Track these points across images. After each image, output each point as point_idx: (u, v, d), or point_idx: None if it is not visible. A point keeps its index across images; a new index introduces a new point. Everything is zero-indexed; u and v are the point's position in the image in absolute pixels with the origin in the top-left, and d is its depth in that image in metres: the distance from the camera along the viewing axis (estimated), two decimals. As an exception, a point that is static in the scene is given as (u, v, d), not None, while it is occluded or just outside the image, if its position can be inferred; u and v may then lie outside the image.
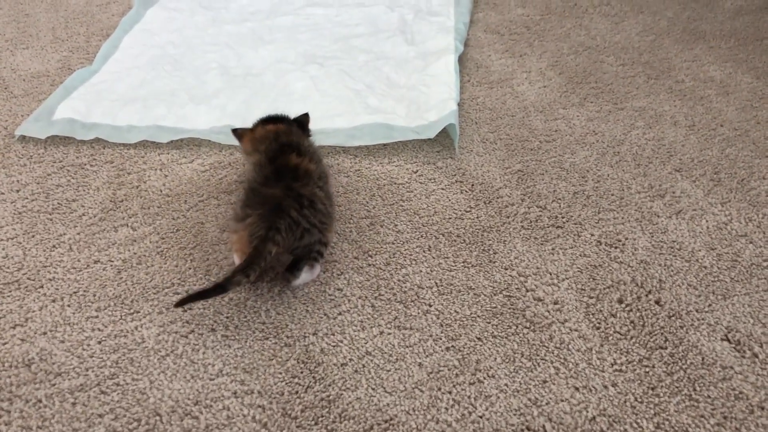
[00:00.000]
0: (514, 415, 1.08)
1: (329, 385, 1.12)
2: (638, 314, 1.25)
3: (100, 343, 1.18)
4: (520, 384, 1.13)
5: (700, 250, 1.39)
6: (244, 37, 2.19)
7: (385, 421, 1.06)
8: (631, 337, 1.21)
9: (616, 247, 1.40)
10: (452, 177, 1.59)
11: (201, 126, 1.74)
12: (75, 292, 1.28)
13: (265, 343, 1.18)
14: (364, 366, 1.15)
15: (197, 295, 1.14)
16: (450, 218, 1.47)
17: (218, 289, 1.13)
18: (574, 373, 1.14)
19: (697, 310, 1.26)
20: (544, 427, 1.06)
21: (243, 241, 1.18)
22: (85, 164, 1.61)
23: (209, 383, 1.11)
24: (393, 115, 1.78)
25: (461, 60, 2.06)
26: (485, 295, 1.28)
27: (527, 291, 1.29)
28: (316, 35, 2.21)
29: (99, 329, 1.21)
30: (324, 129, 1.73)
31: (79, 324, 1.22)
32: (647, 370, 1.15)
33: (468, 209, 1.49)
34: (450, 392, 1.11)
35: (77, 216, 1.46)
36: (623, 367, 1.15)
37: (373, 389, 1.11)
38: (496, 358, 1.17)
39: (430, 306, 1.26)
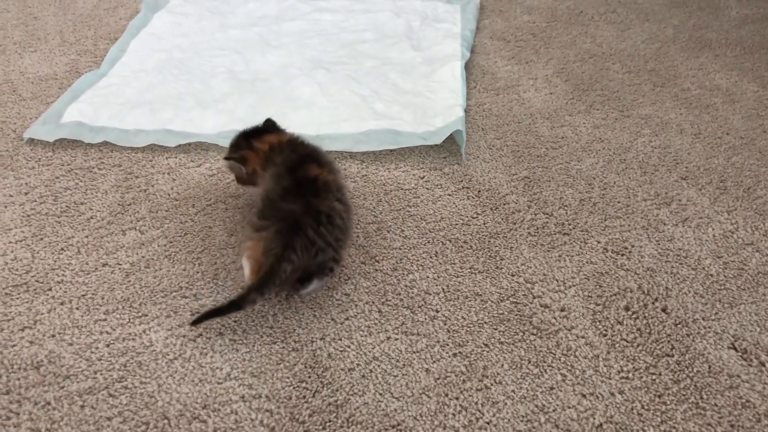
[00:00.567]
0: (522, 421, 1.08)
1: (337, 390, 1.12)
2: (645, 322, 1.25)
3: (108, 346, 1.19)
4: (527, 390, 1.13)
5: (706, 258, 1.39)
6: (252, 42, 2.20)
7: (393, 427, 1.07)
8: (638, 345, 1.21)
9: (622, 255, 1.40)
10: (459, 183, 1.59)
11: (208, 130, 1.74)
12: (83, 295, 1.28)
13: (273, 347, 1.19)
14: (371, 371, 1.15)
15: (212, 312, 1.15)
16: (457, 224, 1.47)
17: (233, 306, 1.14)
18: (581, 380, 1.15)
19: (703, 318, 1.26)
20: (551, 433, 1.07)
21: (257, 249, 1.19)
22: (93, 167, 1.62)
23: (217, 387, 1.12)
24: (399, 121, 1.78)
25: (467, 66, 2.07)
26: (492, 302, 1.29)
27: (534, 298, 1.30)
28: (323, 41, 2.21)
29: (107, 332, 1.21)
30: (331, 134, 1.73)
31: (88, 327, 1.22)
32: (654, 377, 1.15)
33: (475, 215, 1.50)
34: (457, 398, 1.11)
35: (85, 219, 1.46)
36: (630, 375, 1.16)
37: (380, 394, 1.12)
38: (503, 365, 1.17)
39: (437, 312, 1.27)
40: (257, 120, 1.76)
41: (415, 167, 1.65)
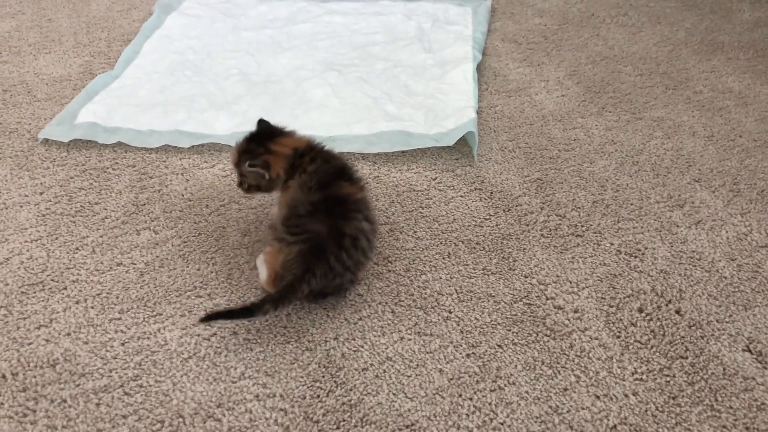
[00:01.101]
0: (535, 422, 1.08)
1: (350, 390, 1.12)
2: (658, 323, 1.25)
3: (123, 344, 1.19)
4: (541, 391, 1.13)
5: (720, 261, 1.39)
6: (264, 44, 2.21)
7: (407, 426, 1.07)
8: (652, 347, 1.21)
9: (635, 257, 1.40)
10: (471, 185, 1.60)
11: (221, 131, 1.75)
12: (98, 294, 1.29)
13: (287, 347, 1.19)
14: (385, 371, 1.16)
15: (224, 314, 1.16)
16: (469, 225, 1.48)
17: (245, 312, 1.15)
18: (594, 381, 1.15)
19: (717, 321, 1.26)
20: (565, 434, 1.06)
21: (275, 259, 1.20)
22: (108, 168, 1.63)
23: (231, 386, 1.12)
24: (411, 123, 1.79)
25: (479, 69, 2.07)
26: (505, 303, 1.29)
27: (547, 299, 1.30)
28: (334, 43, 2.22)
29: (122, 331, 1.22)
30: (343, 135, 1.74)
31: (103, 326, 1.23)
32: (668, 379, 1.15)
33: (487, 217, 1.50)
34: (471, 399, 1.11)
35: (100, 219, 1.47)
36: (644, 376, 1.15)
37: (394, 394, 1.12)
38: (516, 366, 1.17)
39: (450, 313, 1.27)
40: (270, 121, 1.77)
41: (427, 169, 1.65)
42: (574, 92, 1.98)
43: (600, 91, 1.99)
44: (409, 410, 1.09)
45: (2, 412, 1.07)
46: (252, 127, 1.74)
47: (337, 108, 1.87)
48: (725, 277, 1.35)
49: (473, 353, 1.19)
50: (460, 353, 1.19)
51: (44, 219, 1.47)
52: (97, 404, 1.09)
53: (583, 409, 1.10)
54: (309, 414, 1.08)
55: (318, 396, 1.11)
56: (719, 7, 2.53)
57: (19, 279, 1.32)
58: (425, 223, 1.48)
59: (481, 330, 1.23)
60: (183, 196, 1.54)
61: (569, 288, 1.32)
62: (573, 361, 1.18)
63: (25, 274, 1.33)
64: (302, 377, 1.14)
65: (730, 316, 1.27)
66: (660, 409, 1.10)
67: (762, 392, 1.13)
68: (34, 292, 1.29)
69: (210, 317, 1.15)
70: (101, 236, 1.43)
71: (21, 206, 1.50)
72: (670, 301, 1.30)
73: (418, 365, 1.17)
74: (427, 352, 1.19)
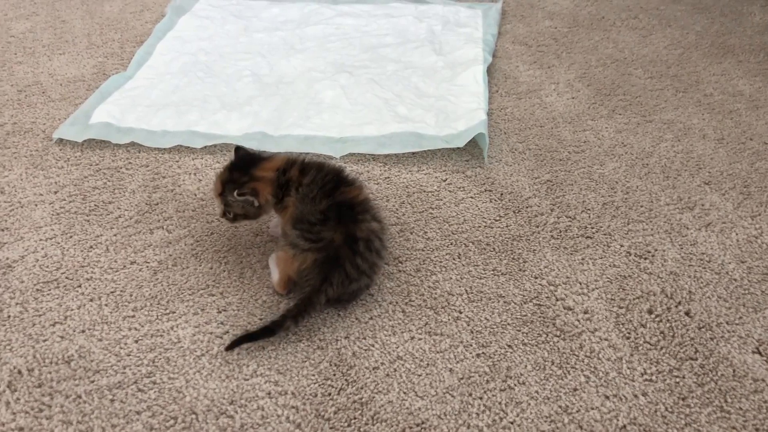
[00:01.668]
0: (545, 422, 1.09)
1: (361, 388, 1.13)
2: (668, 325, 1.25)
3: (137, 342, 1.21)
4: (551, 391, 1.13)
5: (730, 263, 1.39)
6: (276, 46, 2.22)
7: (417, 425, 1.08)
8: (661, 348, 1.21)
9: (645, 258, 1.40)
10: (481, 186, 1.60)
11: (233, 132, 1.77)
12: (112, 292, 1.31)
13: (298, 345, 1.20)
14: (395, 370, 1.17)
15: (246, 337, 1.17)
16: (479, 227, 1.48)
17: (266, 332, 1.16)
18: (604, 381, 1.15)
19: (727, 323, 1.26)
20: (574, 434, 1.07)
21: (289, 263, 1.21)
22: (121, 167, 1.65)
23: (244, 383, 1.13)
24: (422, 124, 1.80)
25: (489, 71, 2.08)
26: (515, 303, 1.30)
27: (557, 300, 1.30)
28: (345, 45, 2.24)
29: (136, 328, 1.23)
30: (354, 137, 1.75)
31: (117, 323, 1.24)
32: (678, 380, 1.15)
33: (497, 218, 1.51)
34: (481, 398, 1.12)
35: (114, 218, 1.49)
36: (653, 377, 1.16)
37: (404, 393, 1.13)
38: (526, 366, 1.18)
39: (461, 313, 1.27)
40: (282, 122, 1.80)
41: (437, 170, 1.66)
42: (584, 94, 1.99)
43: (610, 93, 2.00)
44: (419, 409, 1.10)
45: (18, 407, 1.09)
46: (265, 128, 1.77)
47: (349, 109, 1.88)
48: (735, 279, 1.35)
49: (483, 353, 1.20)
50: (471, 353, 1.20)
51: (59, 217, 1.49)
52: (112, 400, 1.11)
53: (592, 409, 1.11)
54: (320, 411, 1.09)
55: (329, 394, 1.12)
56: (730, 10, 2.53)
57: (35, 276, 1.34)
58: (435, 223, 1.49)
59: (491, 330, 1.24)
60: (196, 195, 1.56)
61: (579, 289, 1.33)
62: (583, 361, 1.19)
63: (40, 272, 1.35)
64: (314, 375, 1.15)
65: (740, 318, 1.27)
66: (669, 409, 1.11)
67: (772, 394, 1.13)
68: (49, 290, 1.31)
69: (234, 343, 1.17)
70: (115, 235, 1.44)
71: (36, 205, 1.52)
72: (679, 303, 1.30)
73: (428, 364, 1.18)
74: (438, 352, 1.20)
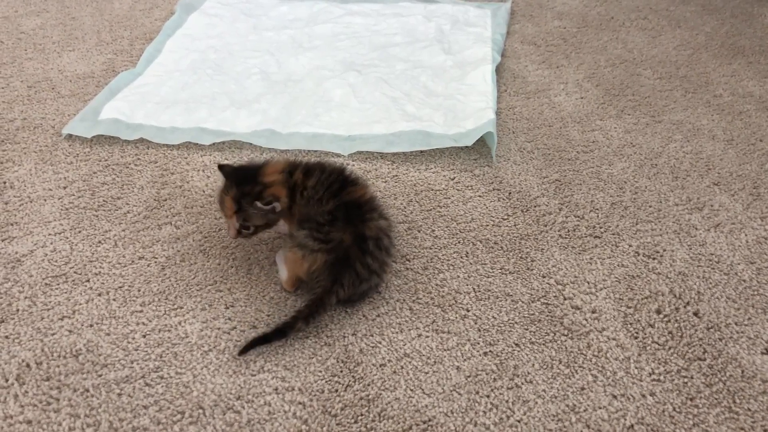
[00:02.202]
0: (552, 420, 1.08)
1: (368, 385, 1.13)
2: (676, 325, 1.25)
3: (144, 336, 1.21)
4: (558, 390, 1.13)
5: (739, 264, 1.39)
6: (284, 44, 2.22)
7: (424, 422, 1.08)
8: (669, 348, 1.21)
9: (654, 258, 1.40)
10: (489, 185, 1.60)
11: (242, 129, 1.77)
12: (120, 287, 1.31)
13: (306, 342, 1.20)
14: (402, 367, 1.16)
15: (258, 340, 1.16)
16: (487, 225, 1.48)
17: (278, 334, 1.16)
18: (612, 381, 1.15)
19: (736, 323, 1.25)
20: (582, 433, 1.07)
21: (298, 264, 1.21)
22: (130, 163, 1.65)
23: (251, 379, 1.14)
24: (430, 123, 1.80)
25: (498, 70, 2.08)
26: (523, 302, 1.29)
27: (565, 299, 1.30)
28: (354, 43, 2.24)
29: (143, 323, 1.23)
30: (362, 135, 1.75)
31: (125, 318, 1.25)
32: (686, 380, 1.15)
33: (505, 217, 1.50)
34: (488, 396, 1.12)
35: (122, 213, 1.49)
36: (661, 377, 1.15)
37: (411, 390, 1.13)
38: (533, 364, 1.17)
39: (468, 311, 1.27)
40: (290, 120, 1.80)
41: (445, 168, 1.66)
42: (593, 95, 1.98)
43: (619, 93, 1.99)
44: (426, 406, 1.10)
45: (26, 400, 1.09)
46: (274, 125, 1.77)
47: (357, 108, 1.88)
48: (744, 281, 1.35)
49: (490, 351, 1.20)
50: (478, 351, 1.20)
51: (67, 213, 1.49)
52: (119, 394, 1.11)
53: (600, 408, 1.10)
54: (327, 408, 1.09)
55: (336, 390, 1.12)
56: (740, 11, 2.52)
57: (43, 271, 1.34)
58: (443, 222, 1.49)
59: (499, 328, 1.24)
60: (204, 192, 1.56)
61: (587, 288, 1.32)
62: (590, 360, 1.18)
63: (49, 266, 1.35)
64: (321, 372, 1.15)
65: (749, 319, 1.26)
66: (677, 409, 1.10)
67: (781, 395, 1.13)
68: (58, 284, 1.31)
69: (247, 347, 1.16)
70: (123, 230, 1.45)
71: (45, 200, 1.53)
72: (688, 303, 1.29)
73: (435, 362, 1.17)
74: (445, 350, 1.20)
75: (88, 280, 1.32)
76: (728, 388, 1.14)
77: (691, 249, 1.42)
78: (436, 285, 1.33)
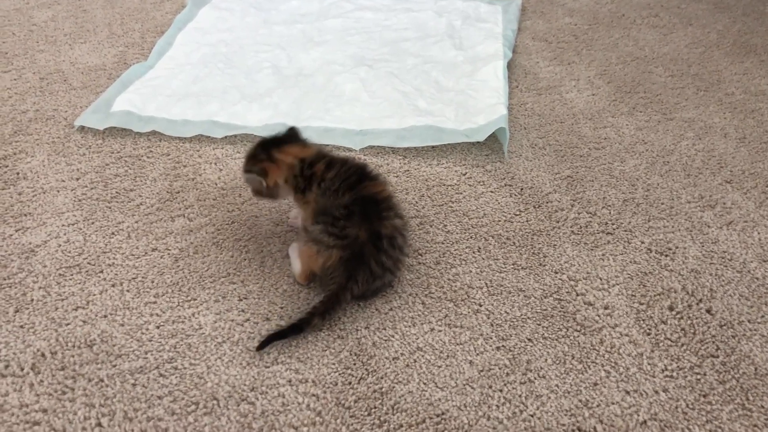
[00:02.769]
0: (565, 415, 1.08)
1: (381, 378, 1.14)
2: (689, 322, 1.25)
3: (158, 327, 1.21)
4: (571, 385, 1.13)
5: (751, 262, 1.39)
6: (295, 39, 2.22)
7: (437, 415, 1.08)
8: (682, 344, 1.21)
9: (666, 255, 1.40)
10: (501, 180, 1.60)
11: (253, 123, 1.77)
12: (134, 278, 1.31)
13: (319, 334, 1.21)
14: (415, 361, 1.17)
15: (274, 336, 1.16)
16: (499, 221, 1.48)
17: (295, 329, 1.17)
18: (624, 377, 1.15)
19: (749, 321, 1.25)
20: (595, 428, 1.07)
21: (313, 259, 1.21)
22: (142, 156, 1.65)
23: (265, 371, 1.14)
24: (442, 118, 1.80)
25: (509, 66, 2.08)
26: (535, 298, 1.29)
27: (577, 295, 1.30)
28: (365, 38, 2.24)
29: (157, 314, 1.24)
30: (374, 130, 1.75)
31: (138, 309, 1.25)
32: (699, 377, 1.15)
33: (517, 212, 1.51)
34: (501, 390, 1.12)
35: (135, 205, 1.50)
36: (674, 374, 1.15)
37: (424, 384, 1.13)
38: (546, 359, 1.17)
39: (480, 306, 1.27)
40: (301, 114, 1.80)
41: (457, 164, 1.66)
42: (604, 91, 1.98)
43: (631, 91, 1.99)
44: (439, 399, 1.10)
45: (42, 389, 1.10)
46: (285, 119, 1.77)
47: (368, 102, 1.88)
48: (757, 278, 1.35)
49: (503, 346, 1.20)
50: (491, 345, 1.20)
51: (80, 204, 1.50)
52: (134, 384, 1.11)
53: (613, 404, 1.10)
54: (341, 400, 1.10)
55: (349, 383, 1.13)
56: (752, 9, 2.52)
57: (57, 261, 1.35)
58: (455, 217, 1.49)
59: (512, 323, 1.24)
60: (216, 184, 1.56)
61: (600, 285, 1.32)
62: (603, 356, 1.18)
63: (63, 257, 1.36)
64: (334, 364, 1.16)
65: (762, 316, 1.26)
66: (690, 406, 1.10)
67: (794, 393, 1.12)
68: (72, 275, 1.32)
69: (264, 343, 1.16)
70: (136, 222, 1.45)
71: (58, 191, 1.53)
72: (700, 300, 1.29)
73: (448, 356, 1.18)
74: (458, 344, 1.20)
75: (101, 271, 1.33)
76: (741, 385, 1.14)
77: (703, 246, 1.42)
78: (449, 279, 1.33)
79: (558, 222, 1.48)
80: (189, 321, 1.23)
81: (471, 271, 1.35)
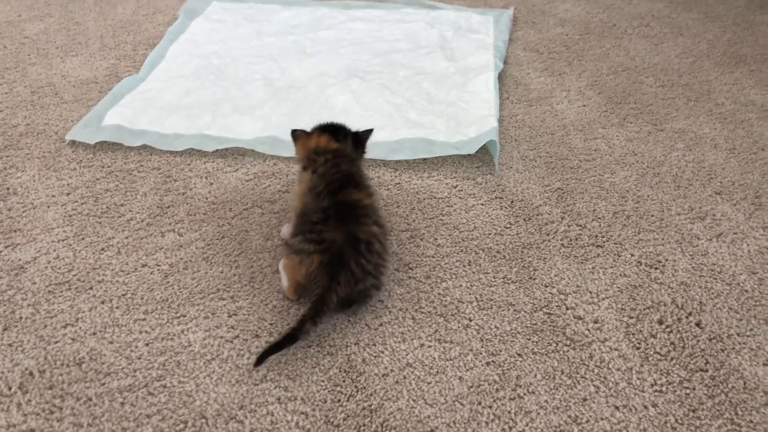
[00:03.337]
0: (555, 431, 1.08)
1: (371, 395, 1.13)
2: (678, 336, 1.25)
3: (147, 345, 1.21)
4: (560, 401, 1.13)
5: (741, 274, 1.39)
6: (287, 50, 2.23)
7: (427, 433, 1.08)
8: (672, 359, 1.21)
9: (656, 268, 1.40)
10: (492, 193, 1.60)
11: (245, 136, 1.77)
12: (123, 295, 1.31)
13: (308, 351, 1.20)
14: (405, 377, 1.17)
15: (271, 348, 1.16)
16: (490, 234, 1.48)
17: (290, 339, 1.16)
18: (614, 392, 1.15)
19: (738, 334, 1.26)
20: (584, 444, 1.07)
21: (296, 270, 1.22)
22: (133, 170, 1.65)
23: (254, 388, 1.14)
24: (433, 130, 1.80)
25: (500, 77, 2.08)
26: (525, 312, 1.29)
27: (567, 309, 1.30)
28: (357, 49, 2.24)
29: (147, 332, 1.24)
30: (365, 142, 1.75)
31: (128, 326, 1.25)
32: (688, 392, 1.15)
33: (508, 225, 1.51)
34: (490, 407, 1.12)
35: (125, 220, 1.50)
36: (663, 388, 1.16)
37: (414, 400, 1.13)
38: (536, 375, 1.17)
39: (471, 320, 1.27)
40: (293, 126, 1.79)
41: (448, 176, 1.66)
42: (595, 102, 1.99)
43: (621, 101, 1.99)
44: (428, 417, 1.10)
45: (30, 408, 1.10)
46: (276, 132, 1.77)
47: (360, 114, 1.88)
48: (746, 291, 1.35)
49: (493, 361, 1.20)
50: (480, 361, 1.20)
51: (71, 219, 1.50)
52: (122, 403, 1.11)
53: (602, 419, 1.10)
54: (329, 418, 1.10)
55: (339, 400, 1.13)
56: (742, 19, 2.53)
57: (46, 278, 1.34)
58: (446, 230, 1.49)
59: (501, 338, 1.24)
60: (207, 199, 1.56)
61: (589, 298, 1.33)
62: (592, 371, 1.18)
63: (52, 274, 1.36)
64: (323, 381, 1.15)
65: (751, 330, 1.27)
66: (679, 421, 1.10)
67: (783, 407, 1.13)
68: (61, 292, 1.32)
69: (261, 358, 1.16)
70: (126, 237, 1.45)
71: (48, 206, 1.53)
72: (690, 314, 1.30)
73: (438, 372, 1.18)
74: (447, 359, 1.20)
75: (91, 288, 1.33)
76: (730, 399, 1.14)
77: (693, 259, 1.43)
78: (439, 294, 1.33)
79: (548, 235, 1.48)
80: (178, 338, 1.22)
81: (461, 286, 1.35)
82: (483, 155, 1.73)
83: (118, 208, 1.53)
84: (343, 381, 1.16)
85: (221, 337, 1.23)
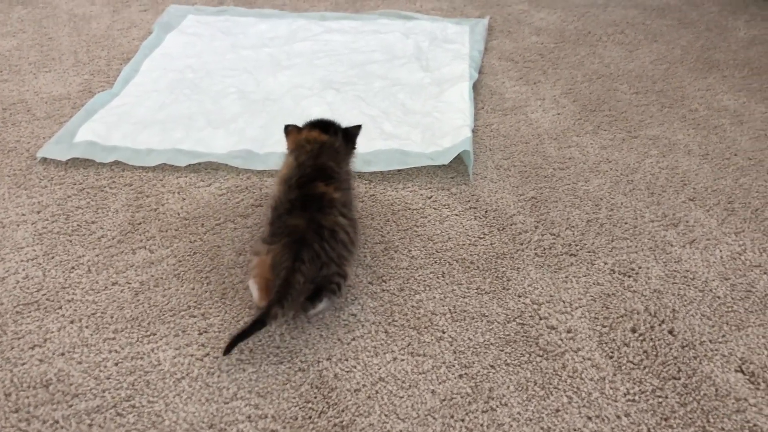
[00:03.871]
0: (527, 444, 1.08)
1: (342, 411, 1.13)
2: (651, 344, 1.25)
3: (116, 365, 1.20)
4: (533, 413, 1.13)
5: (713, 280, 1.39)
6: (263, 63, 2.22)
7: (398, 448, 1.07)
8: (644, 367, 1.21)
9: (629, 276, 1.40)
10: (466, 203, 1.60)
11: (219, 150, 1.76)
12: (93, 314, 1.30)
13: (279, 367, 1.19)
14: (377, 392, 1.16)
15: (239, 336, 1.15)
16: (464, 244, 1.48)
17: (258, 324, 1.15)
18: (587, 402, 1.14)
19: (710, 341, 1.26)
20: (556, 456, 1.06)
21: (263, 266, 1.21)
22: (105, 187, 1.64)
23: (224, 407, 1.12)
24: (408, 141, 1.80)
25: (476, 87, 2.08)
26: (498, 323, 1.29)
27: (540, 319, 1.30)
28: (333, 61, 2.24)
29: (116, 351, 1.22)
30: (339, 154, 1.75)
31: (97, 345, 1.23)
32: (660, 400, 1.15)
33: (482, 236, 1.51)
34: (463, 420, 1.11)
35: (96, 238, 1.48)
36: (636, 397, 1.15)
37: (386, 415, 1.12)
38: (509, 387, 1.17)
39: (444, 333, 1.27)
40: (268, 140, 1.79)
41: (422, 187, 1.66)
42: (569, 110, 1.99)
43: (596, 109, 2.00)
44: (400, 431, 1.09)
45: (-5, 432, 1.08)
46: (251, 145, 1.76)
47: (334, 126, 1.87)
48: (719, 297, 1.35)
49: (466, 374, 1.19)
50: (453, 374, 1.19)
51: (41, 238, 1.48)
52: (90, 425, 1.09)
53: (575, 430, 1.10)
54: (300, 435, 1.09)
55: (310, 417, 1.11)
56: (715, 25, 2.55)
57: (15, 298, 1.33)
58: (420, 242, 1.49)
59: (474, 350, 1.24)
60: (179, 215, 1.55)
61: (563, 308, 1.32)
62: (565, 381, 1.18)
63: (21, 294, 1.34)
64: (294, 398, 1.14)
65: (723, 336, 1.27)
66: (652, 430, 1.10)
67: (754, 413, 1.13)
68: (29, 312, 1.30)
69: (230, 346, 1.16)
70: (97, 255, 1.43)
71: (18, 225, 1.51)
72: (663, 321, 1.30)
73: (410, 386, 1.17)
74: (420, 373, 1.19)
75: (60, 307, 1.31)
76: (702, 407, 1.14)
77: (666, 266, 1.43)
78: (412, 306, 1.32)
79: (522, 244, 1.48)
80: (148, 357, 1.21)
81: (435, 297, 1.35)
82: (458, 165, 1.73)
83: (89, 226, 1.52)
84: (315, 397, 1.15)
85: (191, 355, 1.21)
